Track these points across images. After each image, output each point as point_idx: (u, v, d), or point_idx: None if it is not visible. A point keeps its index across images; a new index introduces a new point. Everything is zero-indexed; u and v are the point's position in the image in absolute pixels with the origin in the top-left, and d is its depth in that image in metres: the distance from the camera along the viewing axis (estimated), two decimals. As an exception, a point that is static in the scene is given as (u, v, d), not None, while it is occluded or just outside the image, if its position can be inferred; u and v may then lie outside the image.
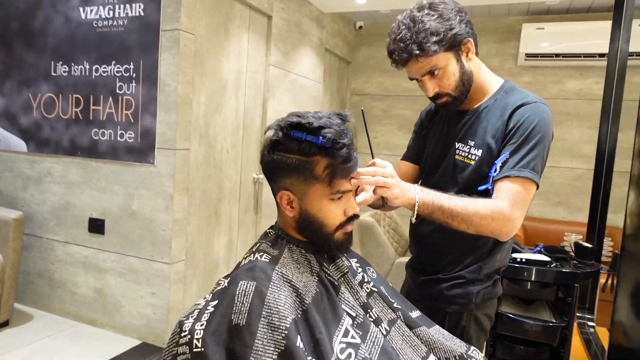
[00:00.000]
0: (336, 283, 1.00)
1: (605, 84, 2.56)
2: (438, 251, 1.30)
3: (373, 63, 4.60)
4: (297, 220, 0.99)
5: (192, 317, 0.90)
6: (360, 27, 4.56)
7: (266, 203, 3.23)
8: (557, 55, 3.80)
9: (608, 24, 2.61)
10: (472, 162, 1.22)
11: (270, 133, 1.00)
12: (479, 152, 1.20)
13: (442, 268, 1.29)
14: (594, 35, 3.65)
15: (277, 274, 0.92)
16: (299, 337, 0.84)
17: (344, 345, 0.89)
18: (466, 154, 1.24)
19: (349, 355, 0.88)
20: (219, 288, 0.93)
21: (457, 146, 1.27)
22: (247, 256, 1.00)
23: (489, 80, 1.26)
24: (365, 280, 1.07)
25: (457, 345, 1.08)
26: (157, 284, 2.40)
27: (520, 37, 3.87)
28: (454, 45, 1.17)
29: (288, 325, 0.84)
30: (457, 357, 1.04)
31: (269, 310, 0.85)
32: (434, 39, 1.14)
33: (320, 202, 0.96)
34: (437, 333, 1.07)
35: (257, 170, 3.17)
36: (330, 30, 4.06)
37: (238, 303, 0.86)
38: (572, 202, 4.01)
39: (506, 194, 1.11)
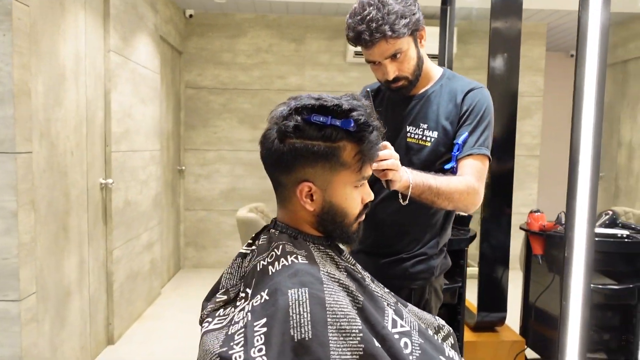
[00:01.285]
0: (360, 275, 0.95)
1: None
2: (398, 232, 1.34)
3: (207, 55, 4.38)
4: (317, 214, 0.90)
5: (236, 344, 0.74)
6: (191, 16, 4.28)
7: (116, 211, 2.79)
8: (379, 53, 4.26)
9: (434, 29, 3.05)
10: (428, 144, 1.29)
11: (277, 117, 0.88)
12: (434, 134, 1.28)
13: (403, 248, 1.33)
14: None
15: (324, 274, 0.82)
16: (373, 337, 0.77)
17: (397, 336, 0.85)
18: (419, 136, 1.30)
19: (406, 344, 0.84)
20: (258, 304, 0.78)
21: (408, 129, 1.32)
22: (270, 262, 0.85)
23: (431, 67, 1.35)
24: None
25: (431, 318, 1.13)
26: (1, 329, 1.84)
27: (348, 35, 4.21)
28: (415, 30, 1.21)
29: (360, 327, 0.76)
30: (436, 329, 1.10)
31: (335, 316, 0.75)
32: (403, 21, 1.16)
33: (345, 190, 0.89)
34: (417, 310, 1.11)
35: (104, 174, 2.70)
36: (163, 16, 3.70)
37: (295, 315, 0.74)
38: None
39: (471, 170, 1.21)
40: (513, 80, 2.27)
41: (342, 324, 0.75)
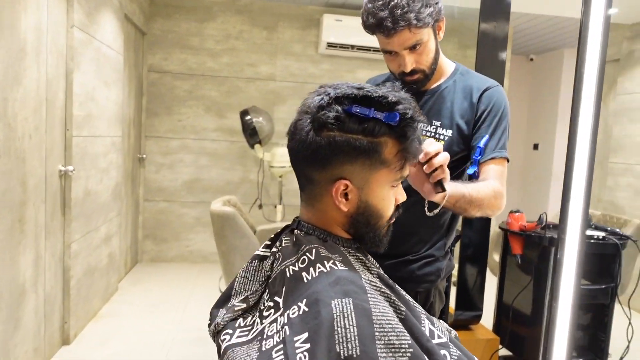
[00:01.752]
0: (391, 281, 0.88)
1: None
2: (405, 233, 1.28)
3: (173, 38, 4.15)
4: (351, 214, 0.82)
5: None
6: (156, -5, 4.03)
7: (76, 201, 2.57)
8: (353, 46, 4.21)
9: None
10: (442, 143, 1.23)
11: (313, 106, 0.79)
12: (449, 133, 1.23)
13: (409, 249, 1.28)
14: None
15: (366, 282, 0.75)
16: (422, 352, 0.71)
17: (438, 348, 0.79)
18: (432, 134, 1.25)
19: (444, 356, 0.78)
20: (295, 316, 0.69)
21: (420, 127, 1.26)
22: (303, 267, 0.76)
23: (445, 61, 1.29)
24: None
25: (442, 323, 1.09)
26: (-52, 333, 1.63)
27: (322, 26, 4.12)
28: (436, 21, 1.15)
29: (410, 342, 0.69)
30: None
31: (382, 329, 0.69)
32: (428, 10, 1.10)
33: (382, 190, 0.82)
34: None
35: (63, 161, 2.47)
36: (128, -7, 3.45)
37: (340, 329, 0.67)
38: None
39: (495, 174, 1.17)
40: (499, 82, 2.27)
41: (390, 338, 0.68)
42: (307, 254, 0.78)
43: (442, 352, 0.78)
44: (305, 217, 0.86)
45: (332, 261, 0.76)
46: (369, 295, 0.72)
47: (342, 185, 0.79)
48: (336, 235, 0.84)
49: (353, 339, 0.66)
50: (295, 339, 0.67)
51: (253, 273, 0.88)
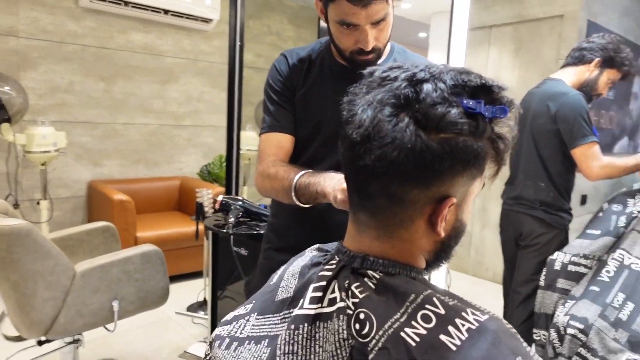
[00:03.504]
0: None
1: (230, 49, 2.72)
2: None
3: None
4: (444, 240, 0.63)
5: None
6: None
7: None
8: (126, 2, 3.51)
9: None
10: None
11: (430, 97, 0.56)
12: None
13: None
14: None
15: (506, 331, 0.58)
16: None
17: None
18: (380, 119, 1.10)
19: None
20: None
21: None
22: (432, 328, 0.54)
23: None
24: None
25: None
26: None
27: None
28: None
29: None
30: None
31: None
32: None
33: (470, 204, 0.65)
34: None
35: None
36: None
37: None
38: (150, 158, 3.99)
39: None
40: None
41: None
42: (428, 306, 0.55)
43: None
44: (376, 251, 0.61)
45: (469, 309, 0.56)
46: (521, 341, 0.56)
47: (449, 204, 0.58)
48: (417, 268, 0.63)
49: None
50: None
51: (304, 344, 0.59)
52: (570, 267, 1.78)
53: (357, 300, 0.58)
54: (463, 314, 0.55)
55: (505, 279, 2.12)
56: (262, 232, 1.74)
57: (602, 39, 1.87)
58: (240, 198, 1.84)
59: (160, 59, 3.92)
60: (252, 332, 0.68)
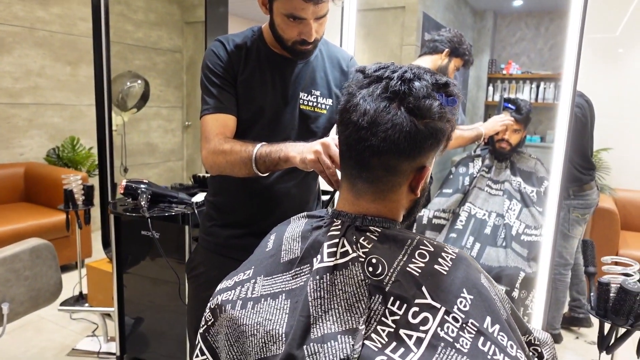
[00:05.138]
0: None
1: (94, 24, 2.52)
2: (296, 206, 1.28)
3: None
4: (418, 199, 0.84)
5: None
6: None
7: None
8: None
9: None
10: (325, 112, 1.28)
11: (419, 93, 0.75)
12: (329, 102, 1.28)
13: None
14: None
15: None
16: None
17: None
18: (314, 103, 1.26)
19: None
20: (469, 308, 0.71)
21: (301, 96, 1.24)
22: (428, 262, 0.74)
23: None
24: None
25: None
26: None
27: None
28: None
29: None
30: None
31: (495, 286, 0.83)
32: None
33: (430, 170, 0.88)
34: None
35: None
36: None
37: (497, 299, 0.77)
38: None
39: None
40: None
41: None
42: (421, 247, 0.75)
43: None
44: (372, 211, 0.79)
45: (444, 246, 0.78)
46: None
47: (427, 171, 0.79)
48: (398, 221, 0.83)
49: (506, 300, 0.77)
50: (485, 326, 0.69)
51: (329, 289, 0.74)
52: (434, 221, 2.20)
53: (366, 250, 0.75)
54: (445, 249, 0.77)
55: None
56: (173, 213, 1.75)
57: (448, 33, 2.30)
58: (146, 181, 1.79)
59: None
60: (265, 291, 0.80)
